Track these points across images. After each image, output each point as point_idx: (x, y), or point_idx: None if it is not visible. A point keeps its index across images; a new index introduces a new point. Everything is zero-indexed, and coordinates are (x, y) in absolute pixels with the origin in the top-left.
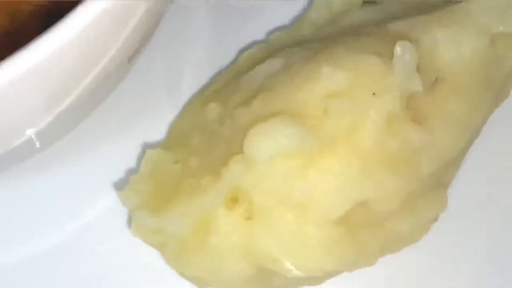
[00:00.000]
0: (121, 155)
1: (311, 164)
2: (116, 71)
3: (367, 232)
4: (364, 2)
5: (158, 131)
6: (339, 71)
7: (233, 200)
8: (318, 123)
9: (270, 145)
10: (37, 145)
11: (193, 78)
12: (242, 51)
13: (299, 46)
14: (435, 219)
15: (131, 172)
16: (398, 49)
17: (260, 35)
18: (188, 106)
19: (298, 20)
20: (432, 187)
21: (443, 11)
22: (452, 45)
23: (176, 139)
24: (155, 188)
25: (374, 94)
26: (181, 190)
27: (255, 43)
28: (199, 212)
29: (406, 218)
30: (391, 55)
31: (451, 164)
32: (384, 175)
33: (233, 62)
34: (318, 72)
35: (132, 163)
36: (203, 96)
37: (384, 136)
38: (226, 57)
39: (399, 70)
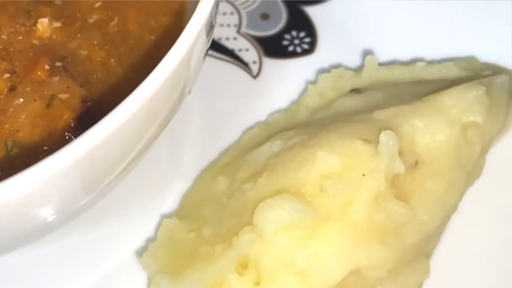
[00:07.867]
0: (140, 225)
1: (311, 235)
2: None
3: None
4: (350, 90)
5: (171, 204)
6: (332, 155)
7: (243, 266)
8: (315, 199)
9: (276, 218)
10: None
11: (199, 156)
12: (246, 130)
13: (296, 129)
14: (420, 285)
15: (150, 240)
16: (382, 137)
17: (261, 116)
18: (199, 179)
19: (294, 104)
20: (416, 257)
21: (420, 102)
22: (429, 132)
23: (189, 209)
24: (172, 254)
25: (363, 175)
26: (196, 257)
27: (257, 123)
28: (213, 277)
29: (394, 284)
30: (377, 140)
31: (432, 236)
32: (374, 246)
33: (238, 140)
34: (314, 155)
35: (150, 232)
36: (212, 171)
37: (372, 211)
38: (230, 136)
39: (384, 154)
